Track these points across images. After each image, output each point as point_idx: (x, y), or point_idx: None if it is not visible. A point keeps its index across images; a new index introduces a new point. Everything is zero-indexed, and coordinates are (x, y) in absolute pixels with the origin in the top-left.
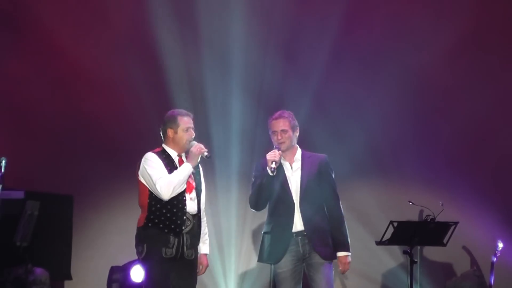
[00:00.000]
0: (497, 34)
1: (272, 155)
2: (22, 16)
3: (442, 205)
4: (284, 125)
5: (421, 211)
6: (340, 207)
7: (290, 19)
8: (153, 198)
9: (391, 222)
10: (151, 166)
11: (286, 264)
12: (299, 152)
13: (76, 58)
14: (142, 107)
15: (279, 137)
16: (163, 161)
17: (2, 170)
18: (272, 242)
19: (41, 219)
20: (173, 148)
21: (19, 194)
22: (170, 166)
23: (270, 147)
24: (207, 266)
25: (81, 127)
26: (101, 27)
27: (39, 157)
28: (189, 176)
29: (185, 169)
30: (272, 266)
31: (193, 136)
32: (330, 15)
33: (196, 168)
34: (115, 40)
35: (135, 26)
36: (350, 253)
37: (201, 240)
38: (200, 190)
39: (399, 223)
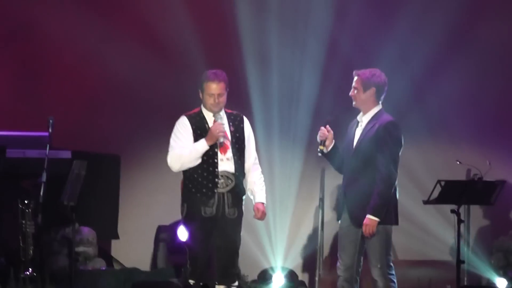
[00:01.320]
0: None
1: (320, 134)
2: None
3: (489, 164)
4: (355, 83)
5: (469, 170)
6: (383, 173)
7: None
8: None
9: (439, 181)
10: (174, 134)
11: (342, 222)
12: (372, 112)
13: (126, 17)
14: (189, 65)
15: (351, 93)
16: (195, 124)
17: (50, 130)
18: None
19: (88, 178)
20: (209, 109)
21: (67, 154)
22: (201, 129)
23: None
24: (264, 212)
25: (129, 86)
26: None
27: (86, 116)
28: (225, 138)
29: (199, 147)
30: None
31: (217, 103)
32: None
33: (238, 126)
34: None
35: None
36: (374, 218)
37: (255, 189)
38: (243, 148)
39: (447, 182)
